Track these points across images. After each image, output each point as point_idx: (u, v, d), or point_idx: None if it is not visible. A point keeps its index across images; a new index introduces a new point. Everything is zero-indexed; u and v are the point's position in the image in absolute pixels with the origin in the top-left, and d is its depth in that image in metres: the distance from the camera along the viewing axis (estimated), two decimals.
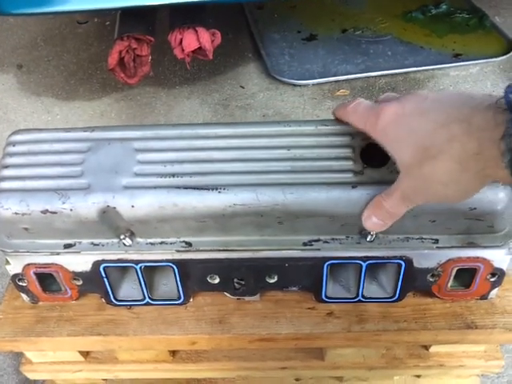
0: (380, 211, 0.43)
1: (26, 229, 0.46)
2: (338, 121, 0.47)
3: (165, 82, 1.32)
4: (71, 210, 0.44)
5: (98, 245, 0.49)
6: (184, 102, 1.26)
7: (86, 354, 0.62)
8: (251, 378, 0.67)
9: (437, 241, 0.48)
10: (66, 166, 0.45)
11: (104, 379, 0.68)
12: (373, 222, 0.43)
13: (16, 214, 0.44)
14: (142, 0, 0.78)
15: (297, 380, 0.68)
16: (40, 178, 0.45)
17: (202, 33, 0.84)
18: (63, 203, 0.43)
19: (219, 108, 1.24)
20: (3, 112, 1.30)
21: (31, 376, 0.64)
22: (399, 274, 0.52)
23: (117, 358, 0.61)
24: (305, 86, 1.26)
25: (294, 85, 1.27)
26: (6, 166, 0.46)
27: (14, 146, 0.47)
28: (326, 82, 1.26)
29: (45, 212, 0.44)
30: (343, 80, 1.27)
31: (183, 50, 0.85)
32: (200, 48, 0.86)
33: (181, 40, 0.85)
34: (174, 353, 0.61)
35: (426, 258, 0.51)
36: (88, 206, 0.43)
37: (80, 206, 0.44)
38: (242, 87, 1.29)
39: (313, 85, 1.26)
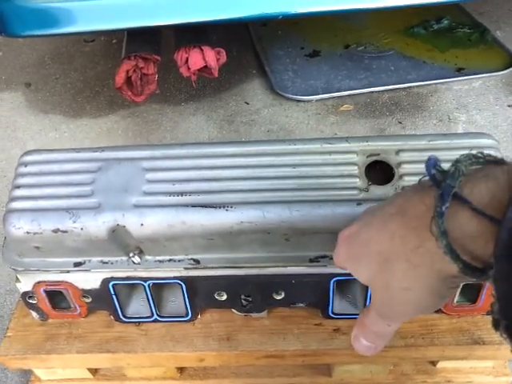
0: (364, 330, 0.38)
1: (37, 247, 0.47)
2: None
3: (170, 99, 1.34)
4: (82, 228, 0.45)
5: (107, 263, 0.49)
6: (190, 119, 1.27)
7: (94, 372, 0.62)
8: None
9: None
10: (77, 186, 0.46)
11: None
12: (363, 344, 0.39)
13: (28, 233, 0.45)
14: (147, 21, 0.80)
15: None
16: (51, 198, 0.46)
17: (207, 51, 0.85)
18: (74, 222, 0.44)
19: (224, 124, 1.25)
20: (11, 130, 1.32)
21: None
22: None
23: (125, 375, 0.62)
24: (308, 101, 1.27)
25: (298, 100, 1.28)
26: (18, 186, 0.47)
27: (25, 166, 0.49)
28: (330, 98, 1.27)
29: (56, 231, 0.45)
30: (346, 95, 1.28)
31: (189, 69, 0.87)
32: (206, 66, 0.88)
33: (187, 59, 0.86)
34: (181, 370, 0.62)
35: None
36: (98, 224, 0.44)
37: (90, 225, 0.44)
38: (247, 103, 1.31)
39: (316, 100, 1.28)
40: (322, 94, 1.27)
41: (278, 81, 1.32)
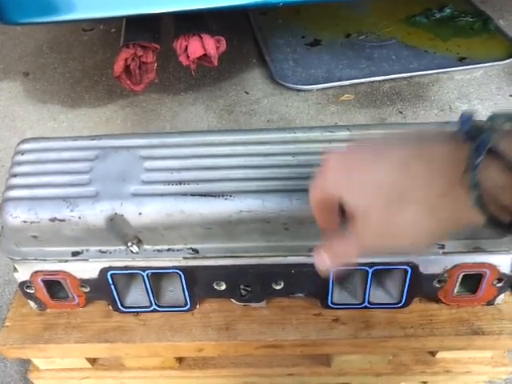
0: (332, 254, 0.37)
1: (34, 237, 0.47)
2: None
3: (170, 89, 1.33)
4: (79, 217, 0.44)
5: (105, 252, 0.49)
6: (189, 108, 1.27)
7: (93, 361, 0.62)
8: None
9: (443, 246, 0.48)
10: (74, 174, 0.46)
11: None
12: (322, 261, 0.38)
13: (25, 222, 0.45)
14: (147, 8, 0.79)
15: None
16: (48, 187, 0.45)
17: (207, 40, 0.84)
18: (71, 211, 0.44)
19: (224, 114, 1.24)
20: (10, 119, 1.31)
21: (39, 383, 0.64)
22: (405, 280, 0.52)
23: (123, 365, 0.62)
24: (309, 91, 1.27)
25: (299, 90, 1.27)
26: (15, 175, 0.47)
27: (22, 154, 0.48)
28: (331, 87, 1.26)
29: (53, 220, 0.44)
30: (347, 85, 1.27)
31: (188, 57, 0.86)
32: (205, 55, 0.87)
33: (186, 47, 0.85)
34: (180, 360, 0.61)
35: (433, 264, 0.51)
36: (96, 213, 0.44)
37: (88, 214, 0.44)
38: (247, 93, 1.30)
39: (317, 90, 1.27)
40: (323, 83, 1.26)
41: (278, 70, 1.31)
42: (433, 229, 0.32)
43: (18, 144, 0.49)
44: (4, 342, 0.55)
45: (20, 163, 0.48)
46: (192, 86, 1.33)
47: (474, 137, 0.28)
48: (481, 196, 0.28)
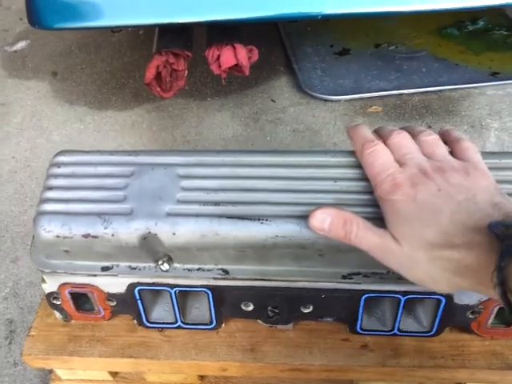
0: (342, 225, 0.41)
1: (65, 251, 0.47)
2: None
3: (196, 94, 1.33)
4: (112, 235, 0.44)
5: (135, 268, 0.48)
6: (215, 115, 1.26)
7: (114, 374, 0.62)
8: None
9: None
10: (110, 190, 0.45)
11: None
12: (322, 224, 0.41)
13: (57, 237, 0.45)
14: (180, 17, 0.78)
15: None
16: (83, 202, 0.45)
17: (239, 49, 0.83)
18: (105, 228, 0.43)
19: (250, 121, 1.24)
20: (37, 119, 1.33)
21: None
22: (438, 309, 0.50)
23: (145, 379, 0.61)
24: (336, 101, 1.25)
25: (326, 100, 1.26)
26: (50, 188, 0.47)
27: (58, 167, 0.48)
28: (359, 98, 1.25)
29: (86, 236, 0.44)
30: (376, 96, 1.25)
31: (220, 66, 0.86)
32: (237, 64, 0.86)
33: (218, 56, 0.85)
34: (202, 377, 0.61)
35: (467, 295, 0.49)
36: (130, 231, 0.43)
37: (122, 232, 0.43)
38: (273, 101, 1.29)
39: (345, 101, 1.25)
40: (351, 94, 1.24)
41: (305, 79, 1.30)
42: (455, 284, 0.39)
43: (55, 156, 0.49)
44: (29, 352, 0.55)
45: (55, 176, 0.47)
46: (218, 92, 1.33)
47: (503, 240, 0.34)
48: (504, 292, 0.33)
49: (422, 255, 0.38)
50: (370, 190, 0.44)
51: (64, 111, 1.33)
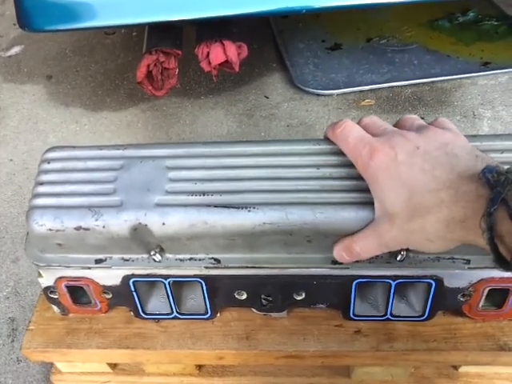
0: (350, 253, 0.44)
1: (59, 244, 0.47)
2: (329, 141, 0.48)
3: (190, 93, 1.33)
4: (104, 226, 0.45)
5: (128, 260, 0.49)
6: (209, 112, 1.27)
7: (113, 366, 0.62)
8: None
9: (468, 261, 0.47)
10: (99, 184, 0.46)
11: None
12: (344, 258, 0.45)
13: (50, 230, 0.45)
14: (170, 15, 0.79)
15: None
16: (74, 195, 0.46)
17: (228, 46, 0.84)
18: (96, 220, 0.44)
19: (244, 118, 1.25)
20: (33, 122, 1.34)
21: None
22: (429, 293, 0.51)
23: (143, 371, 0.62)
24: (329, 95, 1.26)
25: (319, 95, 1.27)
26: (41, 183, 0.48)
27: (48, 163, 0.49)
28: (351, 92, 1.25)
29: (78, 229, 0.45)
30: (368, 90, 1.26)
31: (210, 64, 0.86)
32: (227, 61, 0.87)
33: (208, 53, 0.86)
34: (200, 367, 0.62)
35: (457, 278, 0.50)
36: (120, 223, 0.44)
37: (112, 223, 0.44)
38: (267, 97, 1.30)
39: (337, 95, 1.26)
40: (344, 88, 1.25)
41: (298, 74, 1.31)
42: (448, 240, 0.39)
43: (45, 152, 0.50)
44: (28, 346, 0.56)
45: (46, 171, 0.48)
46: (212, 90, 1.33)
47: (493, 187, 0.34)
48: (492, 238, 0.34)
49: (414, 221, 0.38)
50: (352, 176, 0.45)
51: (60, 113, 1.34)
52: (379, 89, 1.26)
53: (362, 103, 1.23)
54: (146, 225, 0.44)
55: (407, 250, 0.45)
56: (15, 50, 1.64)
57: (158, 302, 0.56)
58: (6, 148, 1.26)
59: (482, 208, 0.34)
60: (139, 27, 1.50)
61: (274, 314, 0.56)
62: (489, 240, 0.34)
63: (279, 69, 1.38)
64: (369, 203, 0.43)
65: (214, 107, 1.29)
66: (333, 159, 0.46)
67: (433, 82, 1.26)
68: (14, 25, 1.73)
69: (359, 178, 0.44)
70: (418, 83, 1.26)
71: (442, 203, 0.37)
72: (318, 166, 0.45)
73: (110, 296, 0.54)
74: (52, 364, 0.64)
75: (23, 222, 1.08)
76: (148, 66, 0.87)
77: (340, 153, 0.45)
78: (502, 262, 0.35)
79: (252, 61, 1.36)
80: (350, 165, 0.44)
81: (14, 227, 1.07)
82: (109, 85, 1.42)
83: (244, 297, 0.53)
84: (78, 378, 0.63)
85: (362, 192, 0.44)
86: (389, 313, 0.54)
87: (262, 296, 0.53)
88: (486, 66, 1.29)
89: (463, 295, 0.51)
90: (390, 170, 0.39)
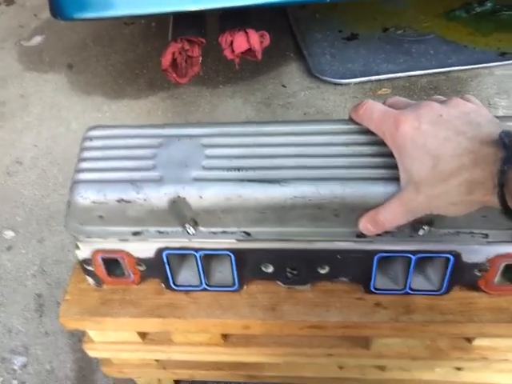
0: (375, 223, 0.46)
1: (100, 216, 0.51)
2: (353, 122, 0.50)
3: (209, 82, 1.36)
4: (144, 199, 0.48)
5: (163, 233, 0.52)
6: (228, 101, 1.30)
7: (143, 336, 0.66)
8: (296, 363, 0.70)
9: (487, 235, 0.50)
10: (139, 160, 0.49)
11: (156, 360, 0.72)
12: (369, 230, 0.47)
13: (94, 202, 0.49)
14: (195, 5, 0.82)
15: (340, 368, 0.70)
16: (115, 171, 0.49)
17: (251, 34, 0.87)
18: (137, 193, 0.47)
19: (262, 107, 1.27)
20: (56, 110, 1.37)
21: (92, 354, 0.69)
22: (447, 268, 0.53)
23: (172, 340, 0.65)
24: (346, 85, 1.28)
25: (336, 84, 1.29)
26: (84, 159, 0.51)
27: (90, 140, 0.52)
28: (368, 81, 1.27)
29: (120, 201, 0.48)
30: (385, 79, 1.28)
31: (233, 52, 0.89)
32: (249, 49, 0.90)
33: (231, 42, 0.88)
34: (225, 337, 0.65)
35: (475, 253, 0.52)
36: (160, 196, 0.47)
37: (153, 196, 0.47)
38: (284, 86, 1.32)
39: (354, 84, 1.28)
40: (360, 77, 1.27)
41: (315, 64, 1.33)
42: (468, 202, 0.42)
43: (87, 131, 0.53)
44: (65, 315, 0.60)
45: (89, 149, 0.51)
46: (230, 79, 1.36)
47: (508, 148, 0.37)
48: (503, 194, 0.38)
49: (438, 186, 0.41)
50: (380, 153, 0.47)
51: (81, 102, 1.38)
52: (396, 78, 1.28)
53: (379, 92, 1.25)
54: (184, 198, 0.47)
55: (429, 223, 0.48)
56: (36, 39, 1.68)
57: (187, 275, 0.59)
58: (29, 134, 1.30)
59: (497, 169, 0.37)
60: (160, 18, 1.53)
61: (298, 287, 0.59)
62: (499, 196, 0.37)
63: (296, 58, 1.41)
64: (395, 179, 0.45)
65: (233, 96, 1.31)
66: (361, 138, 0.48)
67: (449, 71, 1.28)
68: (35, 15, 1.77)
69: (386, 155, 0.46)
70: (435, 73, 1.28)
71: (464, 167, 0.40)
72: (346, 144, 0.48)
73: (143, 268, 0.57)
74: (82, 335, 0.67)
75: (47, 204, 1.12)
76: (173, 53, 0.90)
77: (367, 132, 0.48)
78: (510, 215, 0.39)
79: (269, 50, 1.38)
80: (378, 143, 0.47)
81: (39, 209, 1.11)
82: (129, 74, 1.46)
83: (270, 270, 0.56)
84: (109, 347, 0.67)
85: (389, 168, 0.46)
86: (408, 287, 0.56)
87: (288, 269, 0.56)
88: (503, 56, 1.30)
89: (480, 270, 0.54)
90: (415, 140, 0.42)
